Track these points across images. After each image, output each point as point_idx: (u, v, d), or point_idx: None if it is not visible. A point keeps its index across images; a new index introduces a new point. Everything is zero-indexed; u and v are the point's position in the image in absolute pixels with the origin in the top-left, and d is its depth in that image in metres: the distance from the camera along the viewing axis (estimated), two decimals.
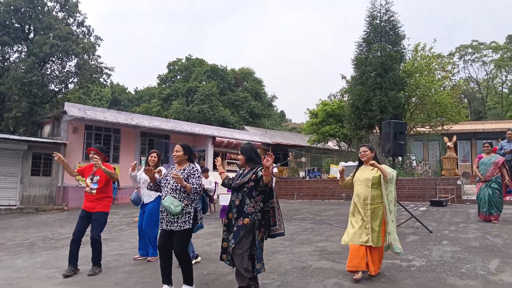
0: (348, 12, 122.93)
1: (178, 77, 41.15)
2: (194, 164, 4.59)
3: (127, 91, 52.58)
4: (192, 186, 4.28)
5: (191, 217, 4.31)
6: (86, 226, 5.55)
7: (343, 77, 20.73)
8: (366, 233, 4.66)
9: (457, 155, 14.21)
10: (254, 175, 4.11)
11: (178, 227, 4.22)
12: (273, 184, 4.48)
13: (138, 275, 5.17)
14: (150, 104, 41.08)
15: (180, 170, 4.46)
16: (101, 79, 23.64)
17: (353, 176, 5.06)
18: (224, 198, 9.43)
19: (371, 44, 17.75)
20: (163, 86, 41.17)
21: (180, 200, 4.26)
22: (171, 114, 33.20)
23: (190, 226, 4.29)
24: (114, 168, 5.88)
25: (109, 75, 23.74)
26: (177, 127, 20.75)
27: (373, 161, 4.82)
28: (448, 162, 13.44)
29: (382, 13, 17.90)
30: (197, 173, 4.45)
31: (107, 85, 30.39)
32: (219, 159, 4.70)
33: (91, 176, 5.51)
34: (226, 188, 4.56)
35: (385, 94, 16.06)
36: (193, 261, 5.49)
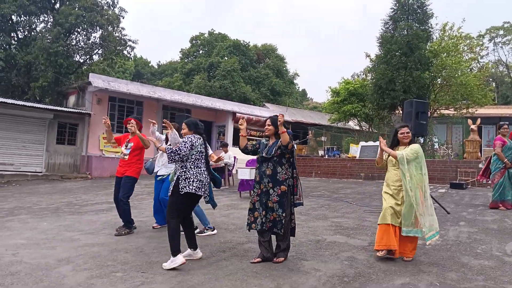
0: None
1: (201, 51, 41.07)
2: (196, 135, 4.56)
3: (150, 64, 52.84)
4: (166, 148, 4.46)
5: (173, 185, 4.38)
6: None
7: (367, 56, 20.33)
8: (397, 215, 4.51)
9: (480, 139, 13.93)
10: (281, 143, 4.35)
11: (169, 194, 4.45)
12: (294, 151, 4.57)
13: (157, 241, 5.37)
14: (173, 78, 41.27)
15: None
16: (125, 52, 23.79)
17: (388, 157, 4.79)
18: (243, 172, 9.58)
19: (398, 22, 17.34)
20: (186, 60, 41.21)
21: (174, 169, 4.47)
22: (192, 89, 33.33)
23: (170, 194, 4.39)
24: None
25: (132, 48, 23.87)
26: (198, 102, 20.89)
27: (383, 144, 4.64)
28: (471, 145, 13.21)
29: None
30: (185, 140, 4.44)
31: (131, 58, 30.53)
32: (244, 121, 4.71)
33: (126, 144, 5.99)
34: (249, 157, 4.73)
35: (410, 74, 15.75)
36: (208, 233, 5.71)
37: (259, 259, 4.40)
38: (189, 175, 4.37)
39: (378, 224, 4.58)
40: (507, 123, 8.67)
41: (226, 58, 36.89)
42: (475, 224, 6.44)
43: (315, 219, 6.88)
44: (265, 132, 4.58)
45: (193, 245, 4.51)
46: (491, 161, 8.01)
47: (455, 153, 17.01)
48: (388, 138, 4.98)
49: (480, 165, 12.11)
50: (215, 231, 5.84)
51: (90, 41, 22.25)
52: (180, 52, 42.90)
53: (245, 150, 4.69)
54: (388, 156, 4.73)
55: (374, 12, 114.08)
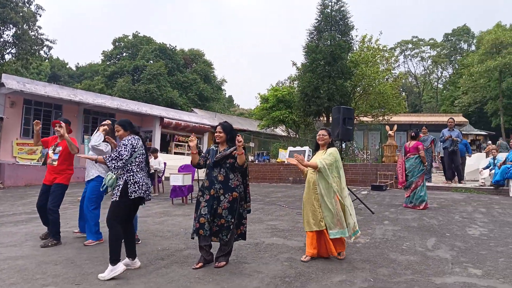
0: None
1: (124, 54, 39.68)
2: (134, 136, 4.42)
3: (67, 66, 49.76)
4: (104, 157, 4.25)
5: (119, 189, 4.20)
6: (47, 200, 5.49)
7: (294, 64, 21.10)
8: (318, 218, 4.65)
9: (396, 144, 15.09)
10: (235, 152, 4.39)
11: (113, 198, 4.24)
12: (247, 163, 4.62)
13: (88, 251, 5.08)
14: (93, 81, 39.30)
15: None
16: (42, 52, 22.14)
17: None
18: (176, 178, 9.39)
19: (322, 33, 18.18)
20: (108, 63, 39.49)
21: (114, 174, 4.27)
22: (115, 93, 32.04)
23: (117, 199, 4.19)
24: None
25: (50, 48, 22.32)
26: (123, 106, 20.06)
27: (302, 158, 4.77)
28: (389, 149, 14.26)
29: (333, 2, 18.35)
30: (124, 142, 4.27)
31: (48, 58, 28.49)
32: (194, 138, 4.64)
33: (53, 147, 5.56)
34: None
35: (333, 83, 16.60)
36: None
37: (200, 264, 4.35)
38: (138, 179, 4.26)
39: (307, 232, 4.74)
40: (417, 130, 9.57)
41: (151, 61, 36.03)
42: (398, 222, 6.96)
43: (251, 222, 6.96)
44: (216, 139, 4.55)
45: (132, 254, 4.33)
46: (410, 164, 8.60)
47: (374, 158, 18.24)
48: (310, 144, 5.20)
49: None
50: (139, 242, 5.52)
51: (1, 40, 20.35)
52: (102, 54, 41.13)
53: (197, 166, 4.61)
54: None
55: (300, 23, 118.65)
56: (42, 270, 4.27)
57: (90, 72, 44.84)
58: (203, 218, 4.34)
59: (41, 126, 5.58)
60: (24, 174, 15.25)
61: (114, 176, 4.25)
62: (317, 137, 4.99)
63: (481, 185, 11.41)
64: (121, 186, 4.20)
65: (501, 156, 11.53)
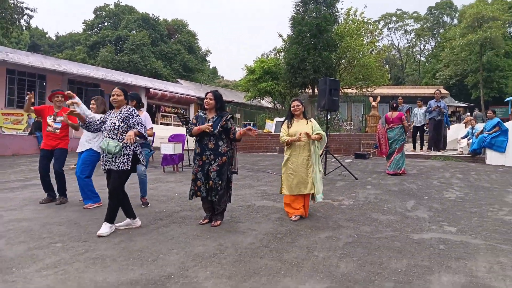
0: None
1: (106, 24, 38.78)
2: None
3: (47, 35, 48.34)
4: (136, 129, 4.33)
5: (130, 158, 4.36)
6: (49, 163, 6.01)
7: (280, 36, 21.13)
8: (309, 184, 5.04)
9: (379, 114, 15.51)
10: (224, 122, 4.68)
11: (116, 166, 4.33)
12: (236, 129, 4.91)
13: (90, 213, 5.35)
14: (74, 51, 38.41)
15: (117, 112, 4.49)
16: (22, 21, 21.54)
17: (288, 130, 5.19)
18: (166, 147, 9.61)
19: (308, 5, 18.20)
20: (89, 32, 38.55)
21: (118, 141, 4.35)
22: (98, 63, 31.50)
23: (128, 168, 4.35)
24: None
25: (30, 17, 21.69)
26: (108, 76, 19.92)
27: (313, 135, 5.05)
28: (372, 119, 14.69)
29: None
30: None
31: (28, 28, 27.70)
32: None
33: (53, 117, 5.93)
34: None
35: (319, 55, 16.79)
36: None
37: (206, 220, 4.78)
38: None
39: (293, 195, 5.11)
40: (397, 100, 9.93)
41: (134, 31, 35.34)
42: (380, 187, 7.40)
43: (242, 188, 7.31)
44: (205, 105, 4.78)
45: (132, 214, 4.62)
46: (395, 134, 8.81)
47: (357, 128, 18.71)
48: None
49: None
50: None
51: None
52: (83, 23, 40.15)
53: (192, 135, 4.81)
54: (288, 129, 5.18)
55: None
56: (47, 230, 4.52)
57: (70, 41, 43.68)
58: (199, 182, 4.70)
59: (33, 96, 5.86)
60: (11, 144, 15.20)
61: (120, 144, 4.33)
62: (292, 108, 5.25)
63: (459, 154, 11.97)
64: (130, 156, 4.38)
65: (479, 127, 12.07)
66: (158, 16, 39.05)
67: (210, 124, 4.62)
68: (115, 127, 4.39)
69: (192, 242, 4.09)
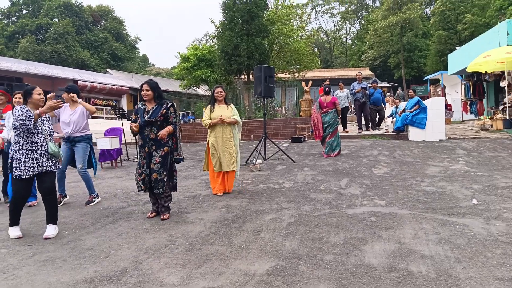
0: None
1: (24, 12, 35.90)
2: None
3: None
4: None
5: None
6: None
7: (212, 22, 21.05)
8: (232, 162, 5.90)
9: (312, 98, 16.20)
10: (164, 110, 4.73)
11: (51, 167, 4.35)
12: (176, 120, 4.99)
13: (30, 216, 5.20)
14: None
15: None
16: None
17: (210, 114, 5.93)
18: (103, 142, 9.39)
19: None
20: (6, 21, 35.50)
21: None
22: (18, 54, 29.28)
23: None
24: None
25: None
26: (32, 69, 18.72)
27: (226, 108, 5.99)
28: (305, 104, 15.32)
29: None
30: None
31: None
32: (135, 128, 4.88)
33: None
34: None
35: (252, 41, 17.02)
36: (96, 201, 5.80)
37: (154, 213, 4.84)
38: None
39: (216, 172, 5.91)
40: (329, 85, 10.49)
41: (56, 19, 33.16)
42: (316, 168, 7.88)
43: (186, 179, 7.42)
44: (144, 97, 4.79)
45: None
46: (330, 118, 9.27)
47: (292, 112, 19.35)
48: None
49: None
50: (99, 199, 5.95)
51: None
52: None
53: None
54: (211, 113, 5.96)
55: None
56: None
57: None
58: (144, 174, 4.76)
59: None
60: None
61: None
62: (216, 94, 6.01)
63: (385, 132, 12.92)
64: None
65: (402, 105, 13.07)
66: (82, 2, 36.94)
67: (135, 124, 4.70)
68: (52, 131, 4.44)
69: (142, 236, 4.18)
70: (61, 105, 4.43)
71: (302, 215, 4.71)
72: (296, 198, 5.56)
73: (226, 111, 5.94)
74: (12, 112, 4.34)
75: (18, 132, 4.19)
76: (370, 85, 13.44)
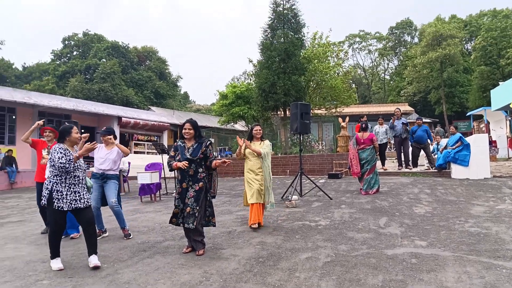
0: None
1: (75, 53, 38.55)
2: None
3: (13, 66, 47.42)
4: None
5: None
6: None
7: (250, 61, 21.65)
8: (262, 194, 6.06)
9: (349, 134, 16.07)
10: (204, 148, 4.92)
11: (88, 201, 4.60)
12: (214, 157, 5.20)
13: (72, 248, 5.37)
14: (42, 81, 37.85)
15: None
16: None
17: (244, 150, 6.20)
18: (143, 176, 9.67)
19: (275, 31, 18.77)
20: (58, 62, 38.17)
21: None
22: (68, 93, 31.20)
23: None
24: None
25: None
26: (80, 107, 19.78)
27: (258, 144, 6.20)
28: (342, 139, 15.20)
29: (285, 1, 18.95)
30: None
31: None
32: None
33: (47, 150, 6.16)
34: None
35: (288, 79, 17.28)
36: (103, 235, 6.01)
37: (189, 248, 4.89)
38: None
39: (251, 204, 6.03)
40: (366, 121, 10.37)
41: (104, 60, 35.26)
42: (354, 206, 7.71)
43: (222, 214, 7.46)
44: (185, 135, 4.98)
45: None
46: (368, 155, 9.12)
47: (329, 148, 19.21)
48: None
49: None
50: (107, 233, 6.16)
51: None
52: (51, 53, 39.68)
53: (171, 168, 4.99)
54: (246, 148, 6.19)
55: (253, 20, 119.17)
56: (32, 268, 4.54)
57: (38, 72, 43.09)
58: (177, 209, 4.88)
59: (39, 126, 6.50)
60: None
61: None
62: (254, 131, 6.29)
63: (426, 169, 12.52)
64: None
65: (443, 142, 12.68)
66: (128, 43, 39.24)
67: (185, 162, 4.80)
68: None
69: (177, 271, 4.21)
70: (96, 146, 4.72)
71: (339, 255, 4.59)
72: (332, 237, 5.44)
73: (258, 146, 6.19)
74: (50, 152, 4.54)
75: (58, 172, 4.42)
76: (414, 121, 13.08)
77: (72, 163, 4.39)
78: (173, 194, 5.03)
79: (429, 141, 12.62)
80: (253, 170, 6.13)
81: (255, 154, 6.11)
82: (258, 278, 3.92)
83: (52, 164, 4.39)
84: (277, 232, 5.85)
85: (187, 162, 4.81)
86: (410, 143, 12.79)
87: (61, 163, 4.31)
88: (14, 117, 17.49)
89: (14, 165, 15.56)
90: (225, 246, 5.18)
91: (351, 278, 3.81)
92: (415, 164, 12.96)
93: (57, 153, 4.37)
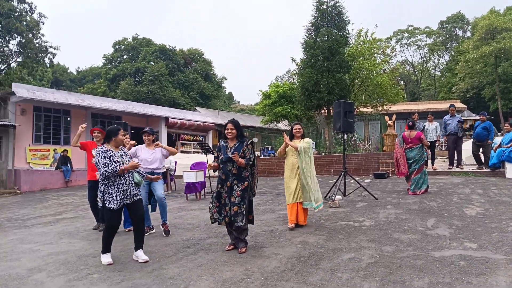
0: None
1: (125, 57, 40.21)
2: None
3: (68, 71, 50.30)
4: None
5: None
6: (95, 193, 6.33)
7: (293, 60, 21.57)
8: (298, 193, 6.02)
9: (396, 133, 15.59)
10: (245, 147, 5.01)
11: (139, 195, 4.89)
12: (255, 156, 5.26)
13: (121, 244, 5.62)
14: (95, 84, 39.84)
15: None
16: (46, 59, 22.65)
17: (285, 148, 6.22)
18: (189, 175, 9.92)
19: (319, 29, 18.57)
20: (109, 66, 40.00)
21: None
22: (119, 95, 32.60)
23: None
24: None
25: (54, 55, 22.81)
26: (130, 108, 20.61)
27: (287, 139, 6.14)
28: (389, 138, 14.77)
29: None
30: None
31: (52, 65, 29.03)
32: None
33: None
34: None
35: (332, 77, 17.05)
36: (150, 232, 6.25)
37: (232, 246, 4.98)
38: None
39: (288, 204, 6.08)
40: (413, 119, 9.95)
41: (152, 63, 36.55)
42: (400, 206, 7.48)
43: (264, 213, 7.51)
44: (227, 135, 5.08)
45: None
46: (416, 154, 8.81)
47: (375, 147, 18.75)
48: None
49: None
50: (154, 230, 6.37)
51: (8, 49, 20.89)
52: (103, 57, 41.68)
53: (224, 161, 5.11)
54: (287, 146, 6.16)
55: (298, 18, 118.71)
56: (84, 262, 4.80)
57: (91, 75, 45.53)
58: (227, 207, 4.96)
59: (84, 130, 6.65)
60: (39, 179, 15.82)
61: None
62: (294, 130, 6.27)
63: (479, 168, 11.90)
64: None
65: (497, 140, 11.99)
66: (175, 46, 40.38)
67: (214, 164, 5.07)
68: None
69: (220, 268, 4.29)
70: (137, 164, 4.85)
71: (383, 256, 4.48)
72: (377, 238, 5.31)
73: (298, 144, 6.12)
74: (95, 155, 4.76)
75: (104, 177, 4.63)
76: (479, 117, 12.21)
77: (116, 174, 4.55)
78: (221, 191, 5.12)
79: (489, 139, 11.64)
80: (290, 169, 6.12)
81: (295, 151, 6.08)
82: (299, 277, 3.92)
83: (98, 167, 4.62)
84: (319, 231, 5.80)
85: (216, 164, 5.08)
86: (483, 141, 11.78)
87: (106, 171, 4.51)
88: (69, 119, 18.54)
89: (69, 165, 16.50)
90: (266, 244, 5.21)
91: (395, 279, 3.71)
92: (478, 162, 12.24)
93: (102, 158, 4.56)
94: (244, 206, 4.89)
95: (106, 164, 4.54)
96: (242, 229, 4.94)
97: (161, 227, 6.20)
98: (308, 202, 6.07)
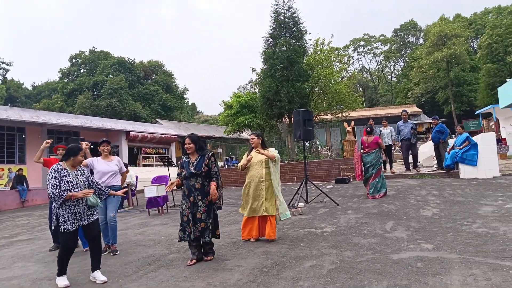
0: (253, 6, 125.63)
1: (82, 70, 39.16)
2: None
3: (23, 86, 48.26)
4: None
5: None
6: None
7: (253, 70, 21.76)
8: (263, 206, 5.72)
9: (355, 138, 15.98)
10: (207, 161, 5.00)
11: (95, 216, 4.68)
12: (217, 170, 5.23)
13: (78, 265, 5.41)
14: (52, 99, 38.45)
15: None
16: None
17: (246, 159, 5.99)
18: (150, 190, 9.72)
19: (277, 39, 18.80)
20: (66, 80, 38.77)
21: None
22: (76, 110, 31.62)
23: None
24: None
25: (6, 70, 21.89)
26: (87, 123, 20.02)
27: (263, 151, 5.87)
28: (348, 144, 15.12)
29: (285, 10, 19.02)
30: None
31: (5, 81, 27.79)
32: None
33: None
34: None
35: (292, 86, 17.28)
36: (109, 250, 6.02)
37: (194, 261, 4.91)
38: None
39: (248, 217, 5.87)
40: (371, 125, 10.25)
41: (111, 76, 35.72)
42: (360, 211, 7.65)
43: (227, 224, 7.47)
44: (187, 150, 5.05)
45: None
46: (372, 158, 9.07)
47: (336, 153, 19.12)
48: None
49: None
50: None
51: None
52: (59, 71, 40.29)
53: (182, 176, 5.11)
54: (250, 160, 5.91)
55: (256, 29, 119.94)
56: (38, 286, 4.58)
57: (47, 90, 43.87)
58: (191, 223, 4.93)
59: (48, 145, 6.47)
60: None
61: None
62: (250, 141, 6.08)
63: (434, 170, 12.38)
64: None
65: (451, 142, 12.52)
66: (134, 59, 39.70)
67: (177, 181, 5.06)
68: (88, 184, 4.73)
69: (181, 285, 4.21)
70: (89, 192, 4.57)
71: (344, 261, 4.55)
72: (338, 243, 5.39)
73: (262, 156, 5.87)
74: (48, 172, 4.49)
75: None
76: (432, 121, 12.64)
77: (62, 199, 4.32)
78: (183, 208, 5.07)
79: (442, 140, 12.02)
80: (254, 181, 5.84)
81: (262, 163, 5.82)
82: None
83: (47, 186, 4.44)
84: (282, 240, 5.82)
85: (178, 180, 5.07)
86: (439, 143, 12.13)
87: (52, 193, 4.32)
88: (23, 136, 17.77)
89: (25, 184, 15.77)
90: (229, 257, 5.17)
91: (355, 284, 3.78)
92: (438, 165, 12.60)
93: (52, 178, 4.36)
94: (211, 221, 4.93)
95: (55, 185, 4.34)
96: (211, 243, 5.03)
97: (107, 248, 5.99)
98: (281, 215, 5.86)
